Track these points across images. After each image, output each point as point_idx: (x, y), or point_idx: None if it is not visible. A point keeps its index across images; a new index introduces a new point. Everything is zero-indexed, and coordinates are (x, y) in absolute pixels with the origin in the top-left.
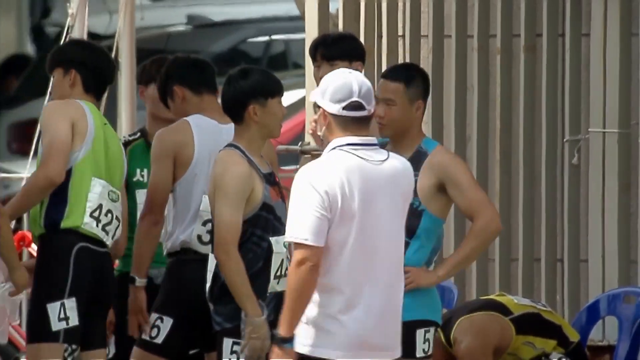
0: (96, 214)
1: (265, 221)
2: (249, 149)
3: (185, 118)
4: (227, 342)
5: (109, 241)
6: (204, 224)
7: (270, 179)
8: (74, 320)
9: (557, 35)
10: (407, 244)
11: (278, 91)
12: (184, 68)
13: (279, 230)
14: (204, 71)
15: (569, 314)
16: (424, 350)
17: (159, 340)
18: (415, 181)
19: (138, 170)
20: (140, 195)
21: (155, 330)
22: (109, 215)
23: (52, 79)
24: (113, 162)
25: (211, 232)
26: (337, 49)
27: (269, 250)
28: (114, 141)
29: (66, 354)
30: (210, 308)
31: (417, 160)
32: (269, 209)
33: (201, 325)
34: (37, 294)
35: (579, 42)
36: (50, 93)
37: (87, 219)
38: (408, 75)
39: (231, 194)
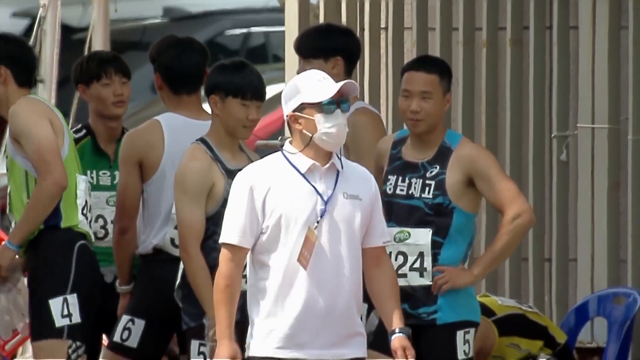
0: (84, 211)
1: None
2: (218, 143)
3: (157, 117)
4: (194, 344)
5: (92, 239)
6: (177, 227)
7: None
8: (76, 318)
9: (544, 28)
10: (440, 244)
11: (241, 93)
12: (166, 62)
13: None
14: (185, 70)
15: (557, 315)
16: (464, 352)
17: (133, 343)
18: (443, 179)
19: (88, 172)
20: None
21: (126, 333)
22: (91, 212)
23: None
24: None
25: None
26: (308, 45)
27: None
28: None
29: (70, 351)
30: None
31: (442, 157)
32: None
33: (175, 326)
34: (39, 290)
35: (567, 35)
36: None
37: (80, 217)
38: (441, 67)
39: (188, 189)
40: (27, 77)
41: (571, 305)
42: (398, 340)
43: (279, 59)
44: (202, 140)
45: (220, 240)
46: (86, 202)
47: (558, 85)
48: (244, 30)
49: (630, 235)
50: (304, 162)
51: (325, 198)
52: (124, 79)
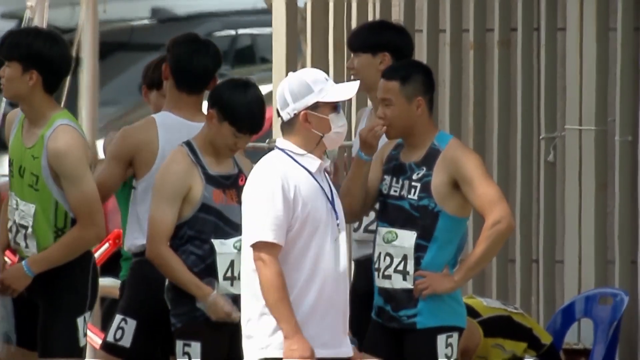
0: None
1: (203, 223)
2: (203, 147)
3: (153, 115)
4: (179, 344)
5: None
6: None
7: (220, 181)
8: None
9: (532, 30)
10: (424, 248)
11: (238, 125)
12: (177, 54)
13: (227, 233)
14: (192, 70)
15: (544, 316)
16: (446, 355)
17: (126, 343)
18: (429, 181)
19: None
20: None
21: (119, 332)
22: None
23: (6, 65)
24: None
25: None
26: (358, 39)
27: (212, 253)
28: None
29: None
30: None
31: (430, 159)
32: (210, 210)
33: (166, 326)
34: (65, 308)
35: (554, 37)
36: None
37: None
38: (404, 73)
39: (162, 190)
40: (57, 84)
41: (558, 306)
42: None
43: (267, 60)
44: (187, 143)
45: (259, 239)
46: None
47: (546, 87)
48: (232, 32)
49: (617, 236)
50: (313, 161)
51: (331, 196)
52: None
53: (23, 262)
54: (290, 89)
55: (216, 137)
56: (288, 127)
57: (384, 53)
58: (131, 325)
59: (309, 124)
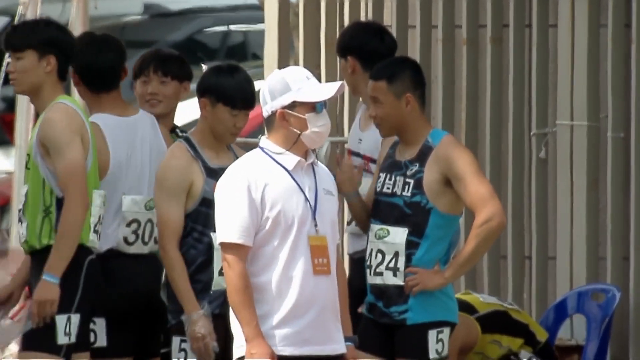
0: (97, 227)
1: (205, 217)
2: (201, 141)
3: (92, 120)
4: (176, 340)
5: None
6: (129, 224)
7: (220, 174)
8: (73, 338)
9: (524, 26)
10: (416, 244)
11: (232, 102)
12: (85, 61)
13: None
14: (101, 69)
15: (536, 312)
16: (437, 350)
17: (102, 342)
18: (421, 177)
19: None
20: None
21: (92, 335)
22: (102, 221)
23: (15, 59)
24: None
25: (136, 232)
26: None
27: (211, 247)
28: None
29: None
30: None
31: (422, 156)
32: (210, 204)
33: (142, 322)
34: None
35: (546, 33)
36: (8, 74)
37: (91, 235)
38: (390, 71)
39: (166, 187)
40: (67, 70)
41: (550, 302)
42: (349, 350)
43: (258, 57)
44: (185, 138)
45: (222, 240)
46: (100, 216)
47: (537, 83)
48: (224, 28)
49: (609, 232)
50: (291, 159)
51: (312, 195)
52: (165, 78)
53: (43, 274)
54: (269, 86)
55: (214, 123)
56: (268, 124)
57: (349, 57)
58: (100, 324)
59: (286, 122)
